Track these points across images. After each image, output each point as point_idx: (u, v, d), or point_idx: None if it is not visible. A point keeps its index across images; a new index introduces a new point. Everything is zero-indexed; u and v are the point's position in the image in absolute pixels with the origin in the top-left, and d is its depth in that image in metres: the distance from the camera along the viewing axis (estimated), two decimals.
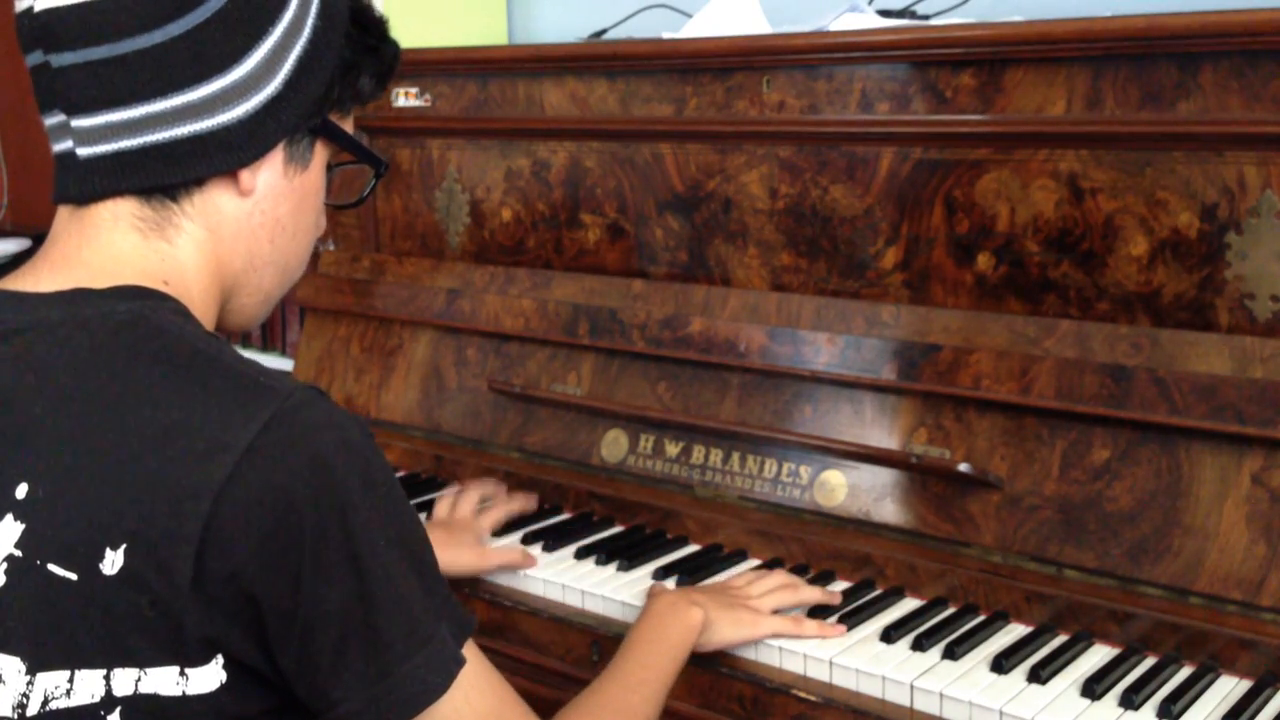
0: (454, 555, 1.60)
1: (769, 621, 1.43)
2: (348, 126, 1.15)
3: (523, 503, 1.80)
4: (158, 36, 1.00)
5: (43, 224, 1.09)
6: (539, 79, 1.92)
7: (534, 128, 1.95)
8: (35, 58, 1.03)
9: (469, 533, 1.66)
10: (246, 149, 1.05)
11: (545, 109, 1.93)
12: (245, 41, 1.03)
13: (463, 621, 1.04)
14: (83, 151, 1.03)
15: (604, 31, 2.19)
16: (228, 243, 1.09)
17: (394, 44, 1.18)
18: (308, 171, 1.12)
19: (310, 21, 1.07)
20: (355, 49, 1.12)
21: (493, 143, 2.03)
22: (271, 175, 1.08)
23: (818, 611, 1.48)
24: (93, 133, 1.02)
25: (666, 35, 1.92)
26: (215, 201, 1.07)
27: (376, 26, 1.15)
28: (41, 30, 1.01)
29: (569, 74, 1.88)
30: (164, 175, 1.03)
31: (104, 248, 1.04)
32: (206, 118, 1.02)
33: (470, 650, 1.03)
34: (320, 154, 1.13)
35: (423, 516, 1.75)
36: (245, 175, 1.06)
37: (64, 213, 1.06)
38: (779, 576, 1.51)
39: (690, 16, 2.02)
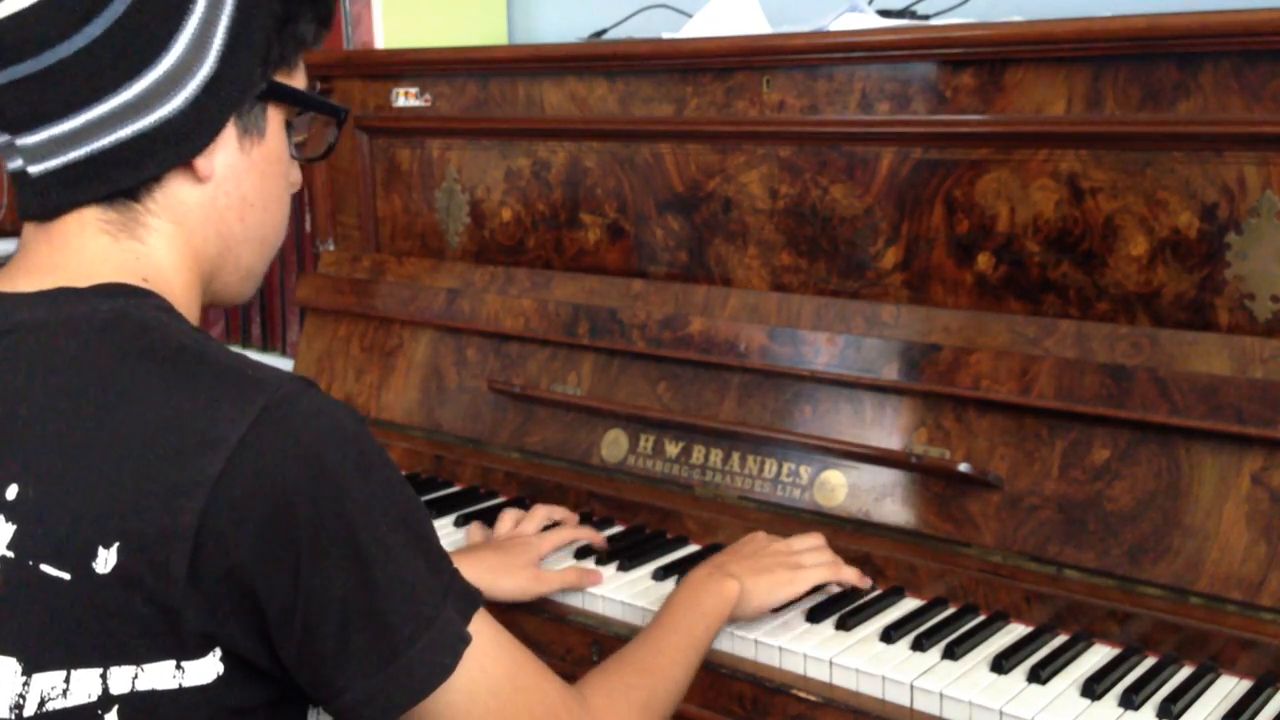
0: (508, 580, 1.53)
1: (807, 574, 1.45)
2: (299, 79, 1.11)
3: (591, 534, 1.67)
4: (79, 41, 0.97)
5: None
6: (539, 79, 1.92)
7: (534, 128, 1.95)
8: None
9: (526, 553, 1.57)
10: (195, 137, 1.02)
11: (545, 109, 1.93)
12: (168, 28, 0.99)
13: (470, 597, 1.03)
14: (34, 169, 1.01)
15: (604, 31, 2.19)
16: (198, 231, 1.07)
17: None
18: (265, 140, 1.08)
19: None
20: (288, 2, 1.06)
21: (493, 143, 2.03)
22: (228, 155, 1.06)
23: (824, 611, 1.48)
24: (39, 149, 1.00)
25: (666, 35, 1.92)
26: (177, 194, 1.05)
27: None
28: None
29: (569, 74, 1.88)
30: (119, 180, 1.02)
31: (77, 252, 1.03)
32: (146, 114, 1.00)
33: (480, 620, 1.02)
34: (275, 117, 1.09)
35: (462, 531, 1.72)
36: (201, 162, 1.04)
37: (30, 227, 1.05)
38: (815, 538, 1.52)
39: (690, 16, 2.02)
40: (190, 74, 1.01)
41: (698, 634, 1.31)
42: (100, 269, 1.02)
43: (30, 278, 1.02)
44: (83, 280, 1.01)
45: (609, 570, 1.63)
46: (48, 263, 1.03)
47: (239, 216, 1.09)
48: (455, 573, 1.03)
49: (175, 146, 1.02)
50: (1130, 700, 1.27)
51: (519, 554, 1.57)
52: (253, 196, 1.09)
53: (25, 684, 0.93)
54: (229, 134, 1.05)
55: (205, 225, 1.07)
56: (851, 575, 1.48)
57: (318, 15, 1.10)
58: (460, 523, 1.81)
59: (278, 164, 1.11)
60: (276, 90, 1.08)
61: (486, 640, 1.03)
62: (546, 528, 1.68)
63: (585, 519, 1.80)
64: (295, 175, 1.16)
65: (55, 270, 1.02)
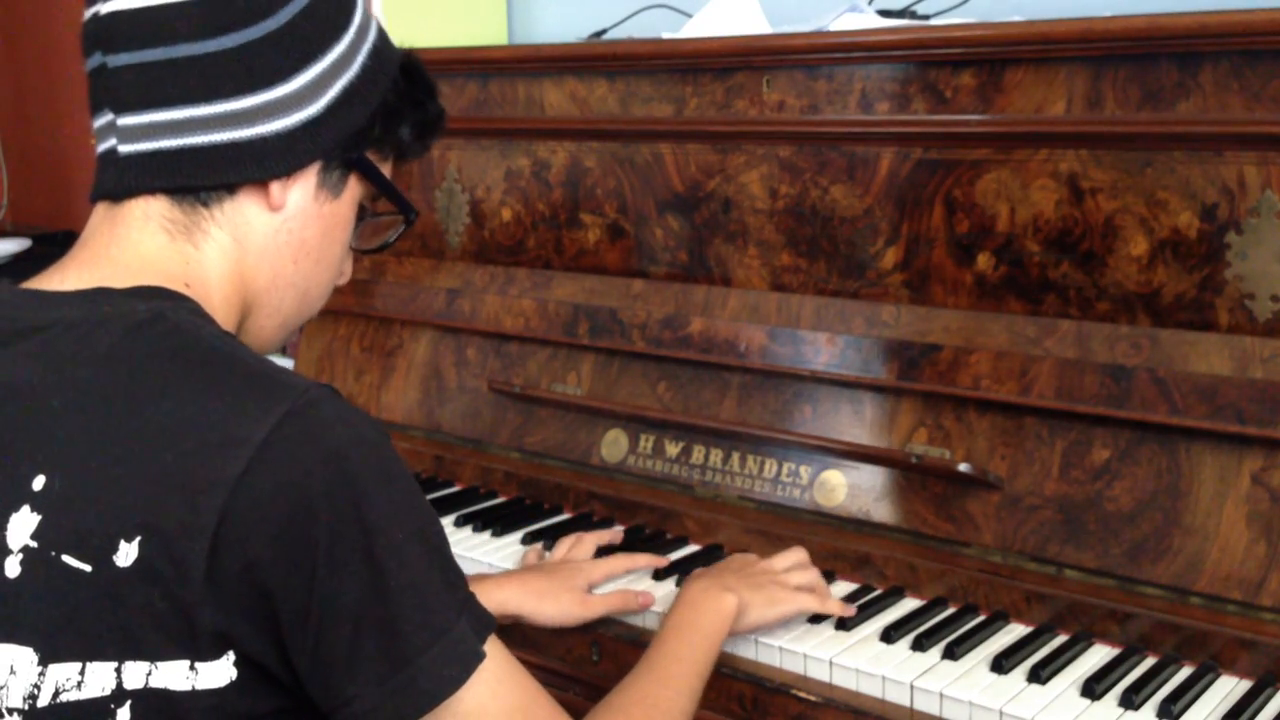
0: (552, 605, 1.49)
1: (799, 598, 1.43)
2: (385, 171, 1.18)
3: (649, 560, 1.62)
4: (211, 46, 1.03)
5: (43, 224, 1.10)
6: (539, 79, 1.92)
7: (534, 128, 1.95)
8: (94, 60, 1.06)
9: (575, 577, 1.53)
10: (280, 162, 1.07)
11: (545, 109, 1.93)
12: (295, 63, 1.06)
13: (483, 619, 1.03)
14: (124, 148, 1.05)
15: (604, 31, 2.19)
16: (253, 256, 1.11)
17: (440, 106, 1.21)
18: (338, 202, 1.14)
19: (360, 59, 1.11)
20: (401, 97, 1.16)
21: (493, 143, 2.03)
22: (302, 196, 1.11)
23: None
24: (136, 130, 1.05)
25: (666, 35, 1.92)
26: (244, 212, 1.09)
27: (425, 84, 1.19)
28: (103, 32, 1.05)
29: (569, 74, 1.88)
30: (197, 177, 1.06)
31: (131, 247, 1.06)
32: (246, 127, 1.05)
33: (494, 646, 1.02)
34: (353, 189, 1.15)
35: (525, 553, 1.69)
36: (276, 189, 1.08)
37: (99, 210, 1.09)
38: (795, 554, 1.52)
39: (690, 16, 2.02)
40: (298, 108, 1.07)
41: (700, 659, 1.30)
42: (147, 269, 1.06)
43: (81, 272, 1.06)
44: (126, 279, 1.04)
45: None
46: (102, 255, 1.07)
47: (294, 258, 1.13)
48: (471, 594, 1.03)
49: (259, 164, 1.07)
50: (1130, 700, 1.27)
51: (567, 578, 1.53)
52: (312, 244, 1.14)
53: (41, 674, 0.94)
54: (309, 178, 1.11)
55: (262, 254, 1.11)
56: (836, 606, 1.45)
57: (419, 124, 1.19)
58: (460, 523, 1.81)
59: (341, 229, 1.16)
60: (365, 164, 1.14)
61: (501, 666, 1.02)
62: (604, 551, 1.65)
63: (585, 519, 1.80)
64: (347, 266, 1.21)
65: (106, 264, 1.06)
